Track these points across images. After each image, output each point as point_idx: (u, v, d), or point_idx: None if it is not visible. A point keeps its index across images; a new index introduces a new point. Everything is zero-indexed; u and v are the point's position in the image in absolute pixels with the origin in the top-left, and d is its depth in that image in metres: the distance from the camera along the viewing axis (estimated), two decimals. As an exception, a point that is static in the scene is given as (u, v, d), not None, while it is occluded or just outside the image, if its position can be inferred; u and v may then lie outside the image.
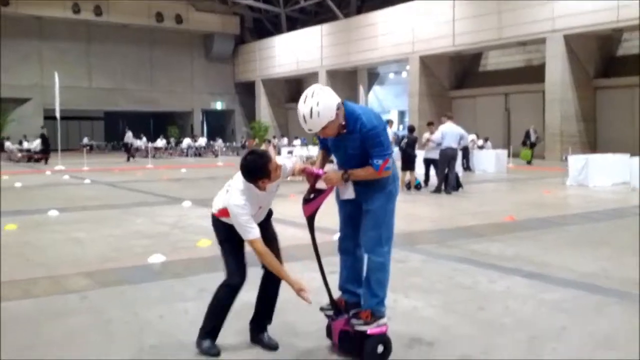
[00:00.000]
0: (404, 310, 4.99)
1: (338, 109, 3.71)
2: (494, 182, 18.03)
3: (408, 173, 14.71)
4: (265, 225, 4.06)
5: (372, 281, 3.93)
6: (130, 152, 31.35)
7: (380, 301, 3.93)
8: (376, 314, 3.88)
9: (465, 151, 19.77)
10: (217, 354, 3.96)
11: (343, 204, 4.05)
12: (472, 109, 33.14)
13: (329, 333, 4.08)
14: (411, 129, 15.16)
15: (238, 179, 3.90)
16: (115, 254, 7.26)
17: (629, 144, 23.89)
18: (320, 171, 3.89)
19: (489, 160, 21.59)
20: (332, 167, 4.03)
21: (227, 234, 3.99)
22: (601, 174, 16.40)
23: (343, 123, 3.78)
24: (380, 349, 3.82)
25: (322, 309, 4.08)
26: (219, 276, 4.26)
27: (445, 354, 4.01)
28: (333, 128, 3.74)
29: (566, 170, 17.01)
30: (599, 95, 28.69)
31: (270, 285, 4.12)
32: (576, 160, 16.81)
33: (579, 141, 27.72)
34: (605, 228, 9.35)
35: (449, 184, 14.15)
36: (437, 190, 14.13)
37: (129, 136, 31.64)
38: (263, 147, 19.56)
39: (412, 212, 11.20)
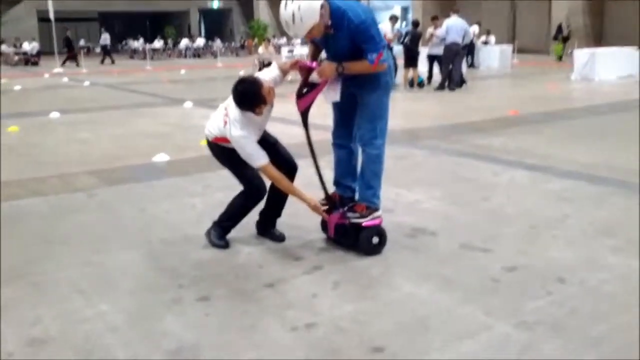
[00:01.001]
0: (407, 203, 5.07)
1: (322, 8, 3.53)
2: (498, 78, 17.82)
3: (411, 70, 14.50)
4: (263, 135, 4.01)
5: (367, 173, 3.92)
6: (107, 55, 29.21)
7: (374, 193, 3.96)
8: (371, 206, 3.92)
9: (471, 47, 19.36)
10: (226, 245, 4.05)
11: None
12: (477, 4, 32.16)
13: (324, 227, 4.13)
14: (415, 24, 14.77)
15: (234, 109, 3.81)
16: (121, 153, 7.31)
17: (636, 38, 23.37)
18: (314, 63, 3.76)
19: (494, 56, 21.25)
20: (325, 60, 3.92)
21: (228, 156, 3.95)
22: (607, 67, 16.18)
23: (329, 23, 3.61)
24: (375, 240, 3.88)
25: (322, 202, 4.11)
26: (224, 174, 4.31)
27: (448, 242, 4.10)
28: (319, 30, 3.59)
29: (571, 65, 16.77)
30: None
31: (279, 191, 4.13)
32: (582, 54, 16.53)
33: (584, 35, 27.10)
34: (609, 121, 9.31)
35: (453, 80, 13.98)
36: (441, 87, 13.98)
37: (105, 38, 29.52)
38: (262, 46, 19.15)
39: (414, 109, 11.14)
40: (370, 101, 3.80)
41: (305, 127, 3.85)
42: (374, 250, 3.88)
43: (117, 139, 8.34)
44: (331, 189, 4.10)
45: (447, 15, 14.45)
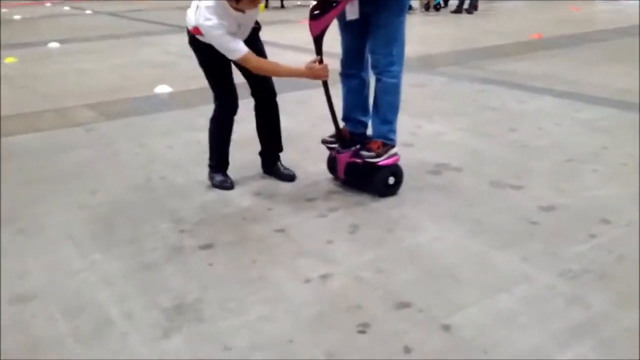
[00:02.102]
0: (428, 135, 4.67)
1: None
2: (517, 2, 16.93)
3: (427, -8, 13.74)
4: (250, 40, 3.43)
5: (384, 105, 3.48)
6: None
7: (391, 128, 3.53)
8: (388, 143, 3.51)
9: (488, -33, 18.33)
10: (230, 186, 3.69)
11: (345, 18, 3.47)
12: None
13: (332, 167, 3.74)
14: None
15: None
16: (121, 84, 6.89)
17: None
18: None
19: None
20: None
21: (206, 54, 3.42)
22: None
23: None
24: (391, 180, 3.50)
25: (324, 141, 3.68)
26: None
27: (476, 179, 3.73)
28: None
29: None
30: None
31: (266, 112, 3.73)
32: (608, -27, 15.58)
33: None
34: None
35: (472, 3, 13.25)
36: (458, 10, 13.27)
37: None
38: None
39: (431, 33, 10.53)
40: (387, 22, 3.32)
41: (318, 54, 3.35)
42: (390, 191, 3.51)
43: (119, 70, 7.90)
44: (341, 125, 3.68)
45: None
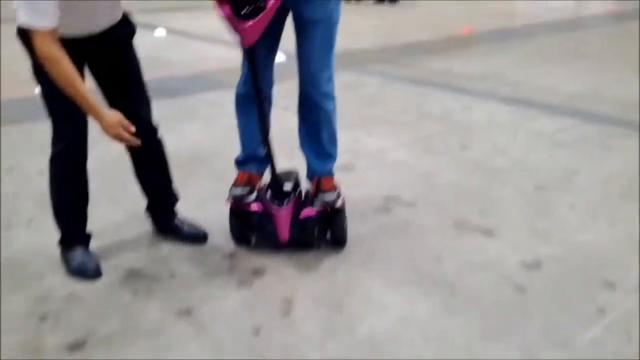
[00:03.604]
0: (369, 153, 3.90)
1: None
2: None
3: (348, -20, 13.01)
4: (116, 49, 2.35)
5: (325, 138, 2.65)
6: None
7: (334, 161, 2.77)
8: (332, 176, 2.74)
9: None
10: (96, 271, 2.46)
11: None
12: None
13: (237, 230, 2.69)
14: None
15: None
16: (2, 79, 5.74)
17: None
18: None
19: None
20: None
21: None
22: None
23: None
24: (346, 222, 2.67)
25: (235, 197, 2.63)
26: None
27: (434, 219, 2.98)
28: None
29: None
30: None
31: (145, 153, 2.52)
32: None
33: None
34: (574, 39, 8.30)
35: (394, -9, 12.63)
36: (380, -1, 12.63)
37: None
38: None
39: (353, 25, 9.78)
40: (327, 19, 2.42)
41: (253, 71, 2.34)
42: (344, 237, 2.67)
43: (7, 61, 6.68)
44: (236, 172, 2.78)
45: None
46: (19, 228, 2.90)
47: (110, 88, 2.40)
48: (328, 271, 2.51)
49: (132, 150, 2.53)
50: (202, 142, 4.04)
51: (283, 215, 2.50)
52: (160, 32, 8.40)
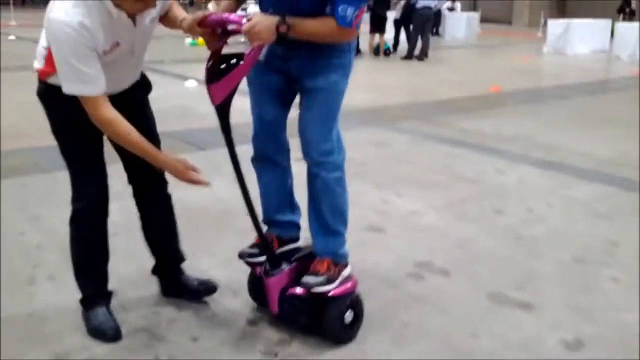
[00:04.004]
0: (400, 215, 3.80)
1: None
2: (466, 49, 16.67)
3: (377, 36, 13.17)
4: (133, 105, 2.32)
5: (326, 211, 2.40)
6: None
7: (341, 241, 2.48)
8: (339, 261, 2.44)
9: (437, 14, 18.03)
10: (116, 333, 2.38)
11: (261, 76, 2.38)
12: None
13: (256, 293, 2.61)
14: (382, -16, 13.37)
15: None
16: (26, 128, 5.78)
17: (599, 8, 22.63)
18: (237, 17, 2.13)
19: (459, 24, 20.03)
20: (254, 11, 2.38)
21: (63, 113, 2.23)
22: (580, 40, 15.22)
23: None
24: (348, 316, 2.40)
25: (243, 255, 2.53)
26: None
27: (469, 290, 2.86)
28: None
29: (541, 36, 15.79)
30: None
31: (151, 208, 2.56)
32: (556, 25, 15.50)
33: (548, 5, 26.19)
34: (605, 102, 8.24)
35: (422, 49, 12.74)
36: (409, 56, 12.72)
37: None
38: (212, 3, 17.44)
39: (384, 81, 9.85)
40: (326, 86, 2.30)
41: (225, 132, 2.23)
42: (347, 333, 2.41)
43: (25, 108, 6.76)
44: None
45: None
46: (42, 283, 2.83)
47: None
48: (357, 342, 2.39)
49: (141, 201, 2.53)
50: (230, 197, 3.97)
51: (271, 285, 2.37)
52: (190, 83, 8.49)
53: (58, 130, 2.29)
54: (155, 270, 2.70)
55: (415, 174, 4.68)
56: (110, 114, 2.06)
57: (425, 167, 4.88)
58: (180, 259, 2.69)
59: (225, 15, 2.17)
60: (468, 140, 5.77)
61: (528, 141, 5.78)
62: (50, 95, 2.22)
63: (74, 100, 2.07)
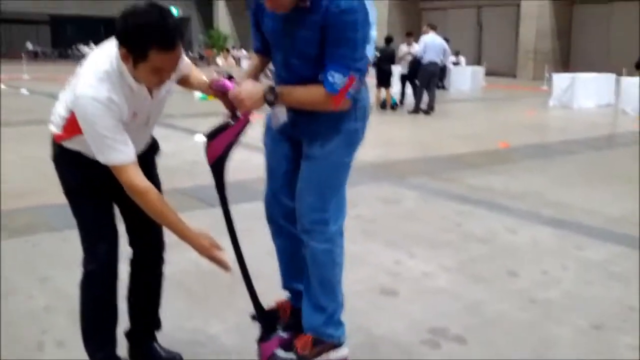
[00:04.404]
0: (412, 278, 3.75)
1: None
2: (472, 102, 16.81)
3: (383, 90, 13.32)
4: (142, 164, 2.27)
5: (314, 283, 2.38)
6: None
7: (328, 318, 2.39)
8: (323, 340, 2.37)
9: (443, 68, 18.24)
10: None
11: (274, 140, 2.46)
12: (442, 22, 31.44)
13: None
14: (388, 40, 13.58)
15: (99, 56, 2.12)
16: (35, 185, 5.80)
17: (602, 62, 22.88)
18: (228, 83, 2.26)
19: (464, 78, 20.25)
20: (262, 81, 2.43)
21: (76, 176, 2.30)
22: (586, 94, 15.31)
23: None
24: None
25: (254, 317, 2.55)
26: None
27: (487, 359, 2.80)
28: None
29: (546, 89, 15.91)
30: (575, 10, 27.26)
31: (146, 270, 2.54)
32: (562, 79, 15.63)
33: (552, 59, 26.53)
34: (612, 157, 8.23)
35: (429, 103, 12.85)
36: (416, 110, 12.83)
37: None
38: (221, 57, 17.79)
39: (390, 135, 9.90)
40: (322, 155, 2.31)
41: (220, 193, 2.31)
42: None
43: (36, 164, 6.81)
44: (279, 293, 2.65)
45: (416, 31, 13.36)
46: (50, 349, 2.79)
47: (130, 201, 2.25)
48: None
49: (137, 262, 2.52)
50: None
51: (262, 350, 2.39)
52: (200, 138, 8.55)
53: (71, 192, 2.33)
54: (129, 335, 2.62)
55: (425, 233, 4.65)
56: (145, 184, 2.11)
57: (435, 225, 4.85)
58: (158, 326, 2.64)
59: (222, 80, 2.29)
60: (477, 197, 5.75)
61: (538, 198, 5.76)
62: (65, 159, 2.29)
63: (88, 164, 2.14)
